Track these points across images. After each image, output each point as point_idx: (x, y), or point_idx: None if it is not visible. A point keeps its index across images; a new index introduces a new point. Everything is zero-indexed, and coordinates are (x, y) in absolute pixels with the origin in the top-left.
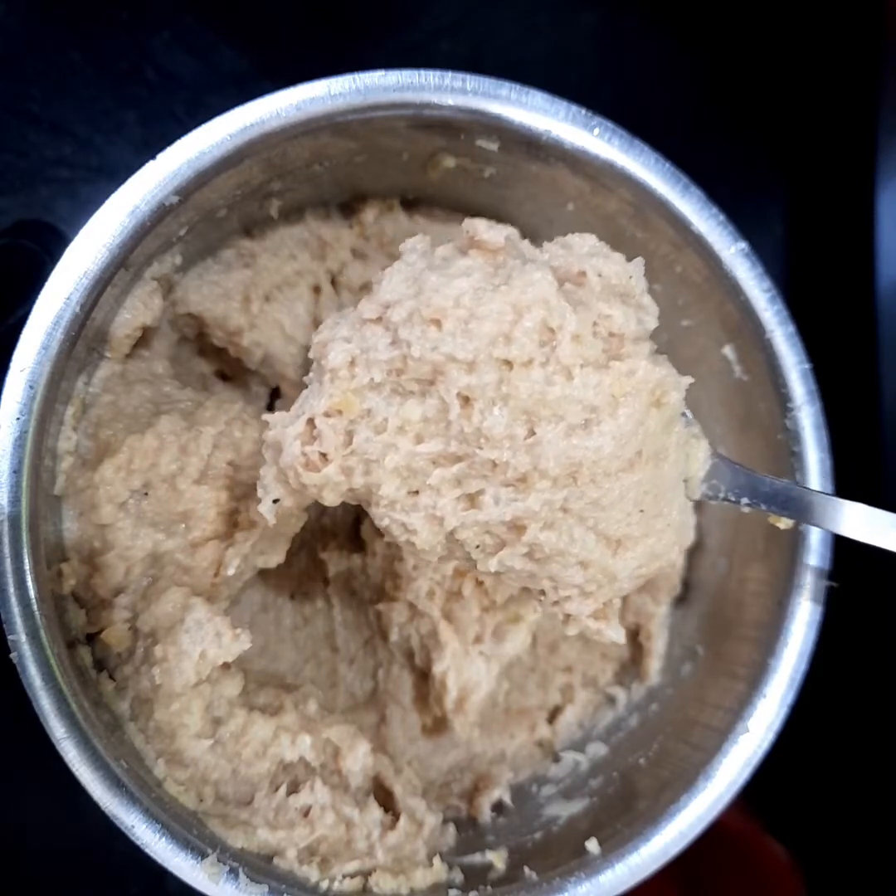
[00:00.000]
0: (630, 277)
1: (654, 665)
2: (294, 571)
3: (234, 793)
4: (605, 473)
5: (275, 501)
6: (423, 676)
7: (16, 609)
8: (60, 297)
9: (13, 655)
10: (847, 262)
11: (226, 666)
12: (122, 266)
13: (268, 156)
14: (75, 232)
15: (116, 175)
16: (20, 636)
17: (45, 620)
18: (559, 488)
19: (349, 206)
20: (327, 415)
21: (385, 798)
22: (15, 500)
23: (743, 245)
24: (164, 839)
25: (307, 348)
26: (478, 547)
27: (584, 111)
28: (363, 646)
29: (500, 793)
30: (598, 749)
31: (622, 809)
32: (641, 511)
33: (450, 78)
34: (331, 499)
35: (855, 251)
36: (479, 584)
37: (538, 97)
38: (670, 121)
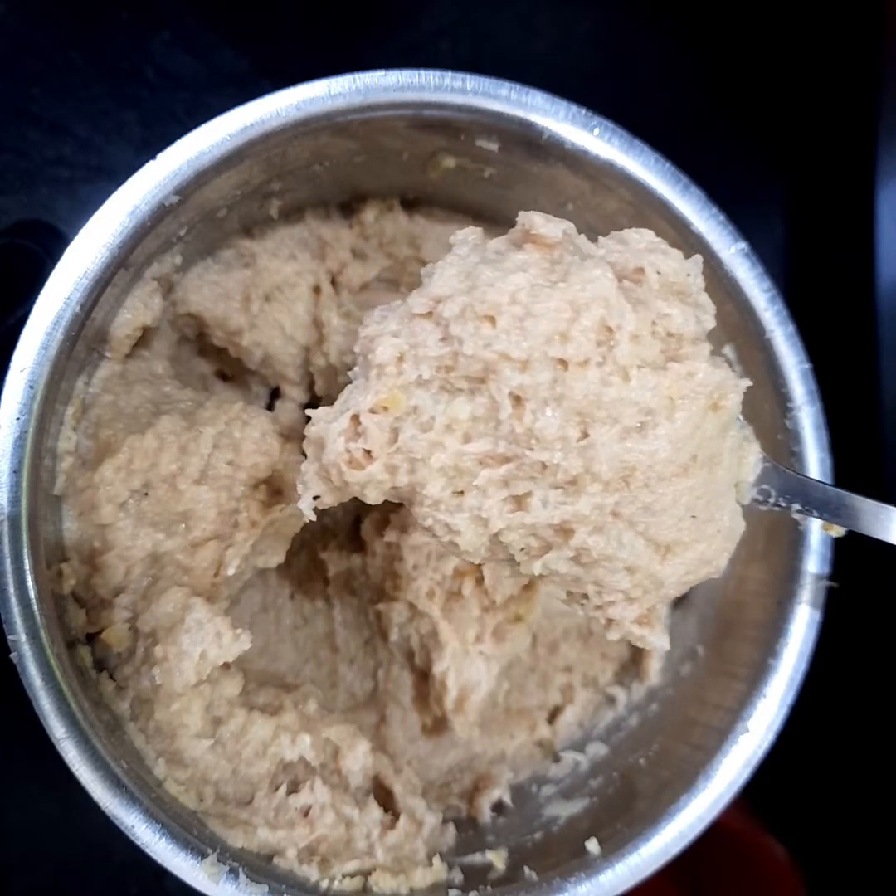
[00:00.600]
0: (688, 275)
1: (654, 665)
2: (294, 571)
3: (235, 792)
4: (659, 478)
5: (315, 498)
6: (423, 676)
7: (16, 609)
8: (60, 297)
9: (13, 655)
10: (847, 262)
11: (226, 666)
12: (122, 266)
13: (268, 156)
14: (75, 232)
15: (116, 175)
16: (20, 636)
17: (45, 620)
18: (611, 492)
19: (349, 206)
20: (373, 411)
21: (385, 798)
22: (15, 500)
23: (743, 245)
24: (164, 839)
25: (307, 348)
26: (522, 549)
27: (584, 111)
28: (363, 646)
29: (500, 793)
30: (598, 749)
31: (622, 809)
32: (693, 516)
33: (450, 78)
34: (373, 497)
35: (855, 251)
36: (479, 583)
37: (538, 97)
38: (670, 121)
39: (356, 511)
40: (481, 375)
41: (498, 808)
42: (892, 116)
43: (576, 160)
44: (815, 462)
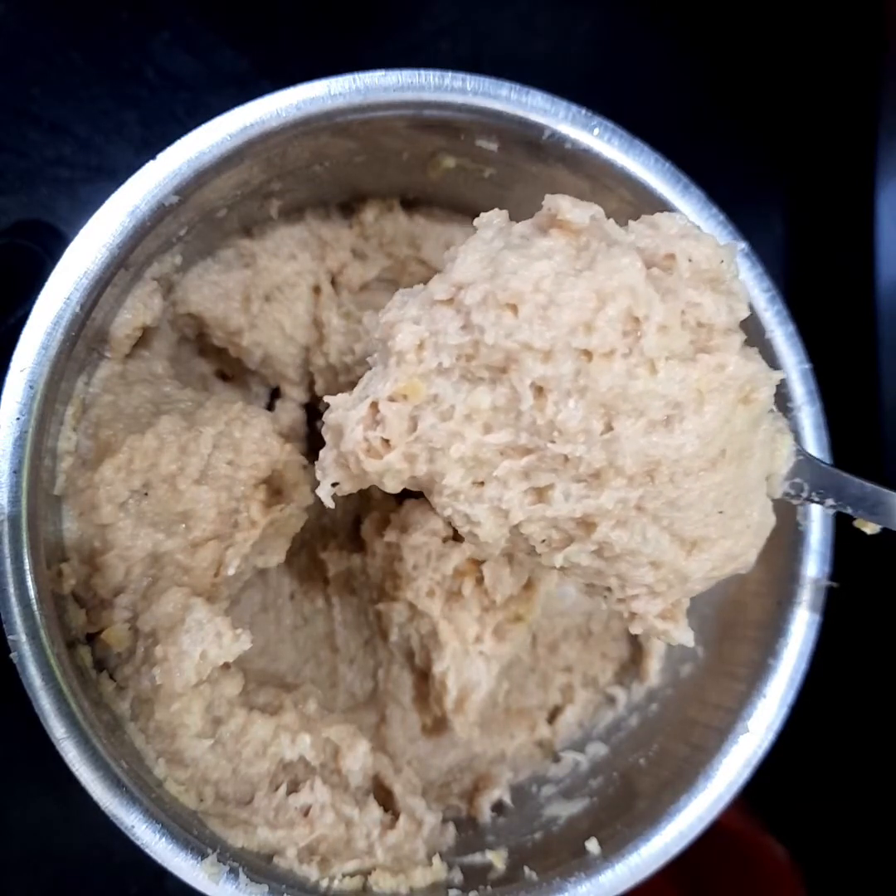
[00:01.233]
0: (721, 262)
1: (654, 665)
2: (294, 571)
3: (235, 792)
4: (685, 473)
5: (334, 485)
6: (423, 676)
7: (16, 609)
8: (60, 297)
9: (13, 655)
10: (847, 262)
11: (226, 666)
12: (122, 266)
13: (268, 156)
14: (75, 232)
15: (116, 175)
16: (20, 636)
17: (45, 620)
18: (635, 487)
19: (349, 206)
20: (392, 399)
21: (385, 797)
22: (15, 500)
23: (743, 245)
24: (164, 839)
25: (307, 348)
26: (543, 542)
27: (584, 111)
28: (363, 646)
29: (500, 793)
30: (598, 749)
31: (622, 809)
32: (721, 512)
33: (450, 78)
34: (392, 486)
35: (855, 251)
36: (479, 583)
37: (538, 97)
38: (670, 121)
39: (356, 511)
40: (503, 365)
41: (498, 808)
42: (892, 116)
43: (576, 160)
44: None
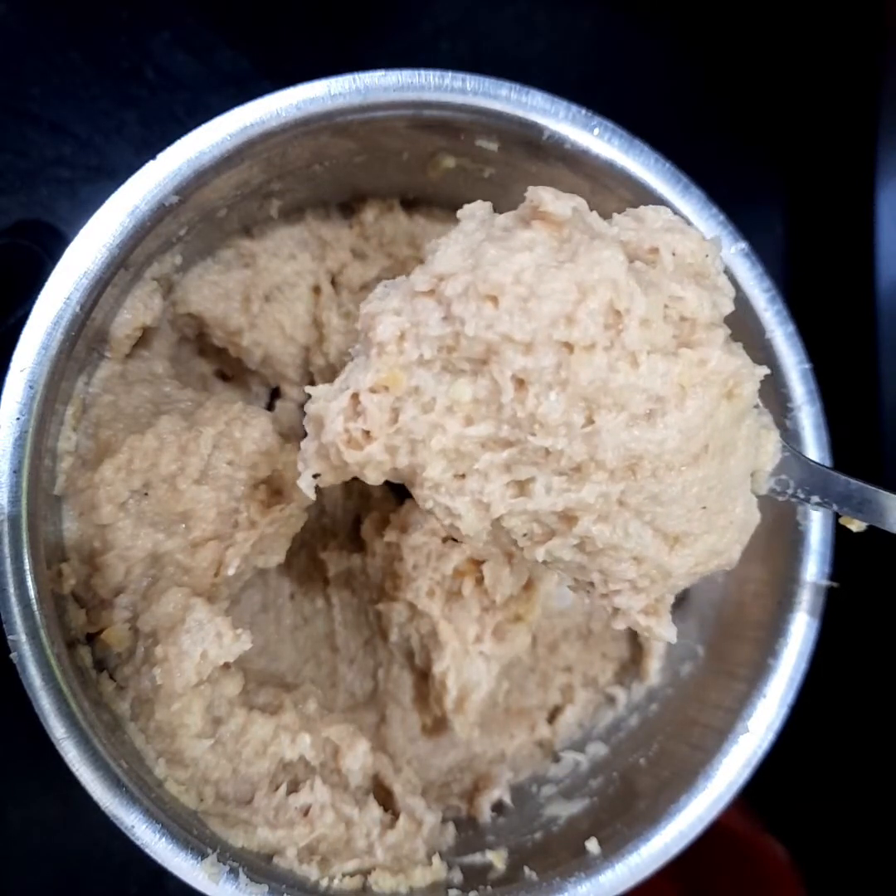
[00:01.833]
0: (706, 256)
1: (654, 665)
2: (294, 571)
3: (235, 792)
4: (667, 468)
5: (315, 476)
6: (423, 676)
7: (16, 609)
8: (60, 297)
9: (13, 655)
10: (847, 262)
11: (226, 666)
12: (122, 266)
13: (268, 156)
14: (75, 232)
15: (116, 175)
16: (20, 636)
17: (45, 620)
18: (616, 481)
19: (349, 206)
20: (373, 391)
21: (384, 797)
22: (15, 500)
23: (743, 245)
24: (164, 839)
25: (307, 348)
26: (525, 535)
27: (584, 111)
28: (363, 646)
29: (500, 793)
30: (598, 749)
31: (622, 809)
32: (704, 508)
33: (450, 78)
34: (373, 477)
35: (855, 251)
36: (479, 583)
37: (538, 97)
38: (670, 121)
39: (356, 511)
40: (484, 357)
41: (498, 808)
42: (892, 116)
43: (576, 160)
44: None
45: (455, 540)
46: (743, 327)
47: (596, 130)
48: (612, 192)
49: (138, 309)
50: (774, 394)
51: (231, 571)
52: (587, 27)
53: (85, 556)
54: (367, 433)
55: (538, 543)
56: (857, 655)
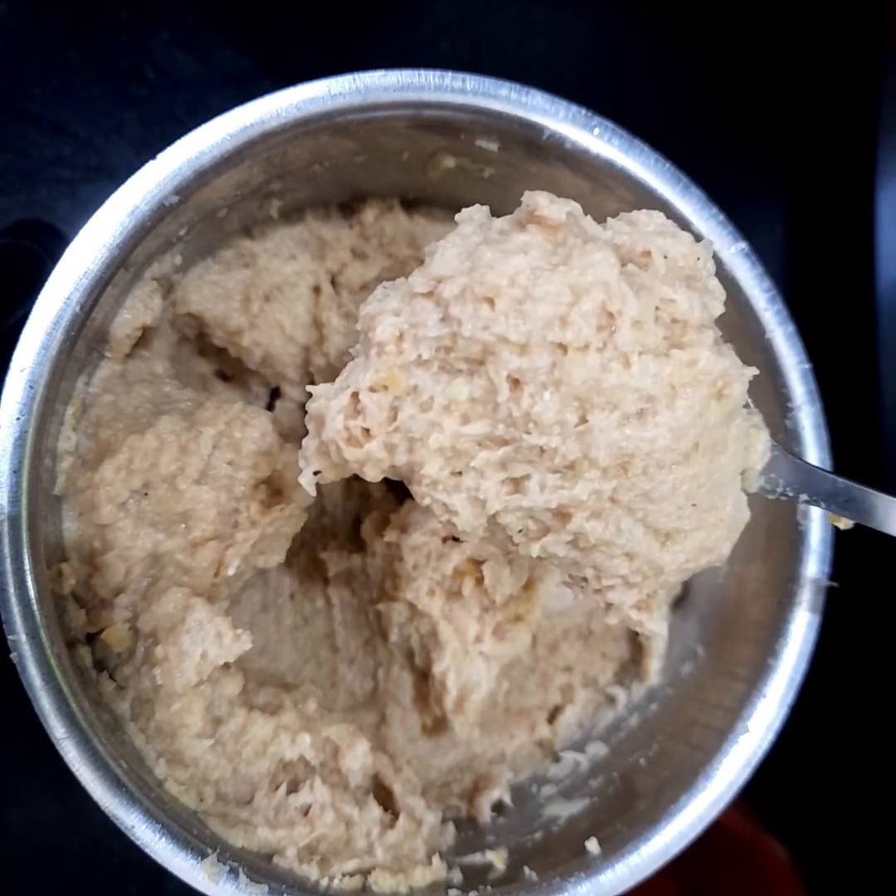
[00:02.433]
0: (697, 259)
1: (654, 665)
2: (294, 571)
3: (235, 792)
4: (658, 466)
5: (316, 473)
6: (423, 676)
7: (16, 609)
8: (60, 297)
9: (13, 655)
10: (847, 262)
11: (226, 665)
12: (122, 266)
13: (268, 156)
14: (75, 232)
15: (116, 175)
16: (20, 636)
17: (45, 620)
18: (609, 478)
19: (349, 206)
20: (372, 390)
21: (384, 797)
22: (15, 500)
23: (743, 245)
24: (164, 839)
25: (307, 348)
26: (520, 531)
27: (584, 111)
28: (363, 646)
29: (500, 793)
30: (598, 749)
31: (622, 809)
32: (694, 505)
33: (450, 78)
34: (372, 474)
35: (855, 251)
36: (479, 583)
37: (538, 97)
38: (670, 121)
39: (356, 511)
40: (480, 357)
41: (498, 808)
42: (892, 116)
43: (576, 160)
44: (815, 462)
45: (455, 540)
46: (743, 327)
47: (596, 130)
48: (612, 192)
49: (138, 309)
50: (774, 394)
51: (231, 571)
52: (587, 27)
53: (85, 556)
54: (366, 431)
55: (533, 540)
56: (857, 655)
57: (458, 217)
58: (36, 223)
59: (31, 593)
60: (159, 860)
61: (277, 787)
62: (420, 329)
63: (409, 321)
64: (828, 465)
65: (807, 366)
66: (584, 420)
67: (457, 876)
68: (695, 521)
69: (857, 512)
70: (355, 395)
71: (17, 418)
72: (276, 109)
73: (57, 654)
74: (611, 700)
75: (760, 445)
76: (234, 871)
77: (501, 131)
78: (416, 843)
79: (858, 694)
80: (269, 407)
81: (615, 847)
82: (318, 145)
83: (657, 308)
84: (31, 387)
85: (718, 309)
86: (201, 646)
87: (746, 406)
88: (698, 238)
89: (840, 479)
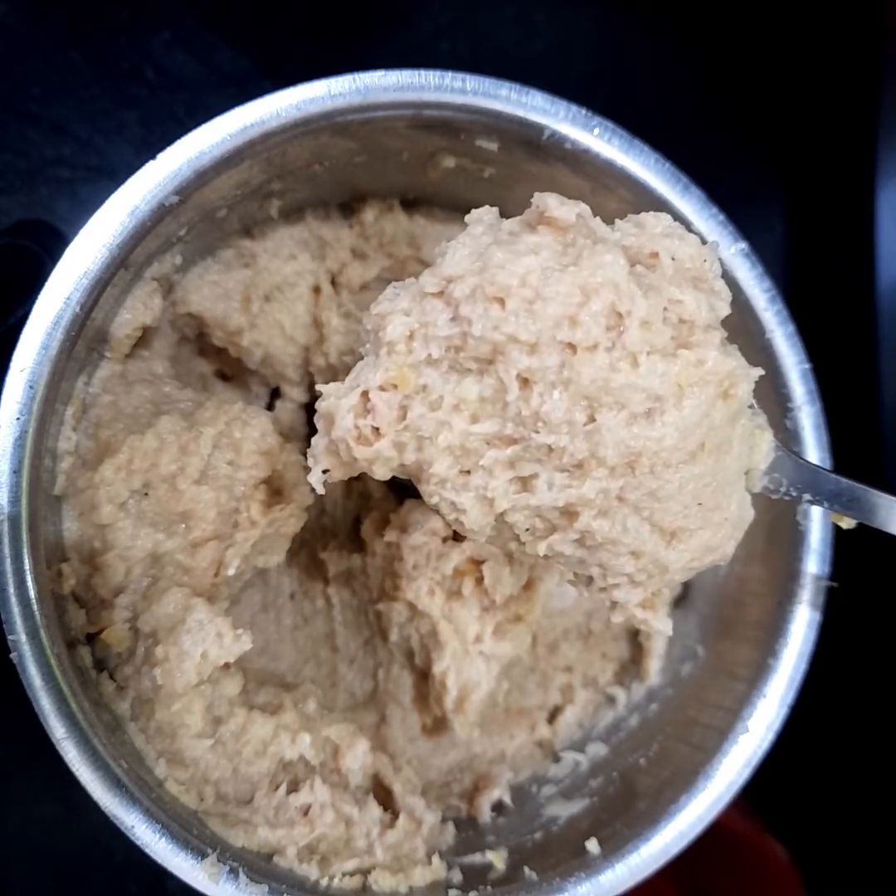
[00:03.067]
0: (704, 261)
1: (654, 665)
2: (294, 571)
3: (235, 792)
4: (665, 465)
5: (325, 472)
6: (423, 676)
7: (16, 609)
8: (60, 297)
9: (13, 655)
10: (847, 262)
11: (226, 665)
12: (122, 266)
13: (268, 156)
14: (75, 232)
15: (116, 175)
16: (20, 636)
17: (45, 620)
18: (616, 477)
19: (349, 206)
20: (382, 389)
21: (384, 796)
22: (15, 500)
23: (743, 245)
24: (164, 839)
25: (307, 348)
26: (527, 530)
27: (584, 111)
28: (363, 646)
29: (500, 793)
30: (598, 749)
31: (622, 809)
32: (700, 504)
33: (450, 78)
34: (381, 473)
35: (855, 251)
36: (479, 583)
37: (538, 97)
38: (670, 121)
39: (356, 511)
40: (490, 357)
41: (498, 808)
42: (892, 116)
43: (576, 160)
44: (815, 462)
45: (455, 540)
46: (743, 327)
47: (596, 130)
48: (612, 192)
49: (138, 309)
50: (774, 394)
51: (231, 571)
52: (587, 27)
53: (85, 556)
54: (376, 430)
55: (540, 538)
56: (857, 655)
57: (468, 218)
58: (36, 223)
59: (31, 593)
60: (159, 860)
61: (277, 787)
62: (430, 328)
63: (419, 321)
64: (828, 465)
65: (807, 366)
66: (592, 419)
67: (457, 876)
68: (700, 520)
69: (860, 512)
70: (365, 393)
71: (17, 418)
72: (276, 109)
73: (57, 654)
74: (611, 700)
75: (765, 445)
76: (234, 871)
77: (501, 131)
78: (416, 842)
79: (858, 694)
80: (269, 407)
81: (615, 847)
82: (318, 145)
83: (665, 309)
84: (31, 387)
85: (724, 310)
86: (201, 646)
87: (751, 406)
88: (702, 239)
89: (843, 480)
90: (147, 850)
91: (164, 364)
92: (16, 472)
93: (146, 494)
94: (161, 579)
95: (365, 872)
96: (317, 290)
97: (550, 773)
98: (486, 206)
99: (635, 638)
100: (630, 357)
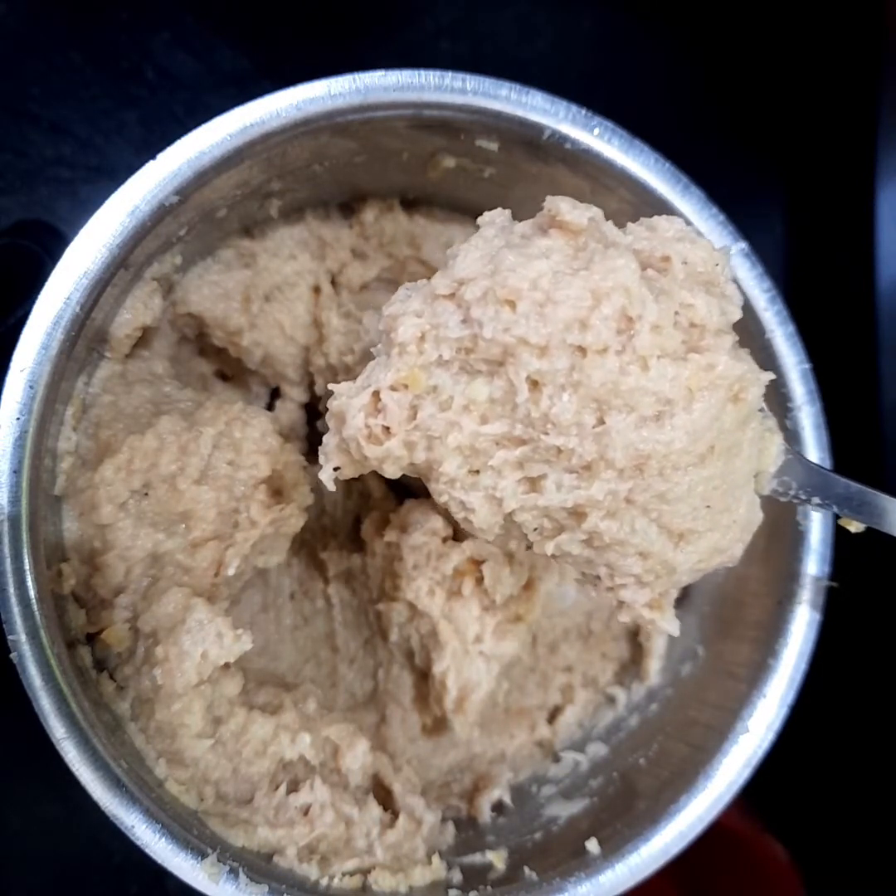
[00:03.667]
0: (716, 265)
1: (654, 665)
2: (294, 571)
3: (235, 792)
4: (673, 467)
5: (336, 470)
6: (423, 676)
7: (16, 609)
8: (60, 297)
9: (13, 655)
10: (847, 262)
11: (226, 665)
12: (122, 266)
13: (268, 156)
14: (75, 232)
15: (116, 175)
16: (20, 636)
17: (45, 620)
18: (625, 479)
19: (349, 206)
20: (393, 389)
21: (384, 796)
22: (15, 500)
23: (743, 245)
24: (164, 839)
25: (307, 348)
26: (535, 530)
27: (584, 111)
28: (363, 646)
29: (500, 793)
30: (598, 749)
31: (622, 809)
32: (708, 506)
33: (450, 78)
34: (391, 471)
35: (855, 251)
36: (479, 583)
37: (538, 97)
38: (670, 121)
39: (356, 511)
40: (500, 359)
41: (498, 808)
42: (893, 117)
43: (576, 160)
44: (815, 462)
45: (455, 540)
46: (743, 328)
47: (596, 130)
48: (612, 192)
49: (138, 309)
50: (774, 394)
51: (231, 571)
52: (587, 27)
53: (85, 556)
54: (386, 429)
55: (548, 538)
56: (857, 655)
57: (479, 220)
58: (36, 223)
59: (31, 593)
60: (159, 860)
61: (277, 787)
62: (441, 330)
63: (430, 322)
64: (828, 466)
65: (807, 366)
66: (601, 421)
67: (457, 876)
68: (709, 523)
69: (870, 516)
70: (376, 393)
71: (17, 418)
72: (276, 109)
73: (57, 654)
74: (611, 700)
75: (774, 448)
76: (234, 871)
77: (501, 131)
78: (416, 842)
79: (858, 694)
80: (269, 407)
81: (615, 847)
82: (318, 145)
83: (676, 312)
84: (31, 387)
85: (736, 314)
86: (201, 646)
87: (761, 410)
88: None
89: (853, 484)
90: (147, 850)
91: (164, 364)
92: (16, 472)
93: (146, 494)
94: (161, 579)
95: (365, 872)
96: (317, 290)
97: (550, 773)
98: (499, 209)
99: (635, 638)
100: (640, 361)
